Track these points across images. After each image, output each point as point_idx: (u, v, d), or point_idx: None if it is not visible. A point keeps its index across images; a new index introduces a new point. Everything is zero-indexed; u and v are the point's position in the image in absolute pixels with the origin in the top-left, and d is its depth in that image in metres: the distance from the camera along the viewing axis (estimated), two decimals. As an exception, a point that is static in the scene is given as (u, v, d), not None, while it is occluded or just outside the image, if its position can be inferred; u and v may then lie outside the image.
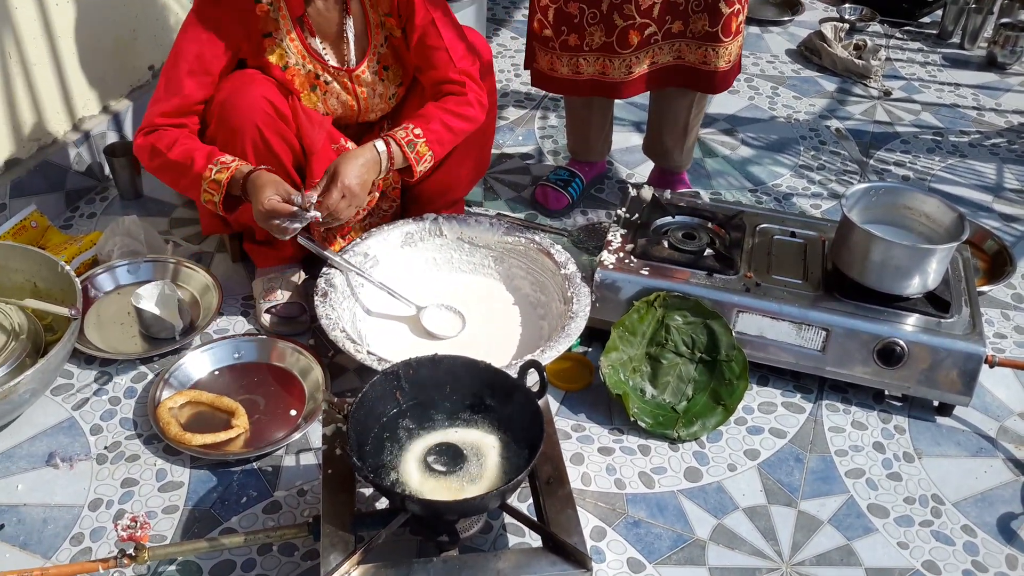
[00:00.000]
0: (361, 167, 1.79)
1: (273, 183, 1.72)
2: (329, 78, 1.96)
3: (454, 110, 1.91)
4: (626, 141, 2.81)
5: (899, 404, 1.96)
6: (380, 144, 1.83)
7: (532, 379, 1.52)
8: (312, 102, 1.97)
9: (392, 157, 1.84)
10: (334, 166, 1.78)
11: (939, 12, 3.74)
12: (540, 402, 1.50)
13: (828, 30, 3.33)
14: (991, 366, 1.88)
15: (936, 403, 1.95)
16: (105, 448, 1.76)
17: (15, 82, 2.18)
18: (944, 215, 1.99)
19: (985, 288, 2.26)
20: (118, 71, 2.50)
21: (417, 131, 1.84)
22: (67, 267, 1.91)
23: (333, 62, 1.96)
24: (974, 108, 3.14)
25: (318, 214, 1.74)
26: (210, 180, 1.76)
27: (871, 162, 2.79)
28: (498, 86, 3.08)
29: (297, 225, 1.73)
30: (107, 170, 2.46)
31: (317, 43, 1.93)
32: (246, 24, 1.84)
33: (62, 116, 2.35)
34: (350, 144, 2.02)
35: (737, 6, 2.16)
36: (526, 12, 3.59)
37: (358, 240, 2.07)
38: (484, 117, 1.99)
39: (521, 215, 2.47)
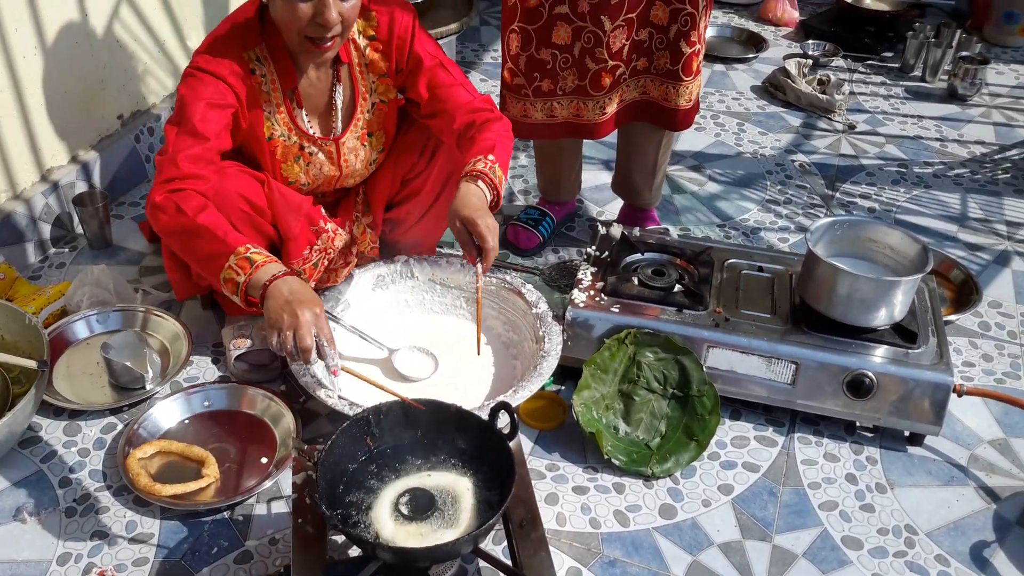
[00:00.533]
0: (478, 205, 1.74)
1: (320, 315, 1.58)
2: (314, 149, 1.96)
3: (504, 132, 1.92)
4: (596, 179, 2.84)
5: (870, 435, 1.97)
6: (480, 183, 1.78)
7: (504, 421, 1.52)
8: (294, 172, 1.97)
9: (487, 185, 1.80)
10: (460, 218, 1.73)
11: (901, 46, 3.81)
12: (512, 444, 1.50)
13: (792, 66, 3.39)
14: (959, 395, 1.89)
15: (907, 433, 1.96)
16: (74, 501, 1.74)
17: (-18, 134, 2.18)
18: (908, 247, 2.01)
19: (952, 317, 2.28)
20: (86, 121, 2.50)
21: (491, 157, 1.83)
22: (34, 319, 1.90)
23: (318, 133, 1.97)
24: (937, 139, 3.20)
25: (338, 365, 1.65)
26: (243, 257, 1.62)
27: (837, 195, 2.83)
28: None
29: (332, 363, 1.62)
30: (76, 220, 2.46)
31: (304, 116, 1.94)
32: (242, 82, 1.83)
33: (30, 166, 2.35)
34: (329, 225, 2.01)
35: (698, 46, 2.20)
36: (494, 55, 3.65)
37: (331, 285, 2.07)
38: (512, 130, 2.01)
39: (493, 255, 2.48)
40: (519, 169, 2.91)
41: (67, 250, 2.44)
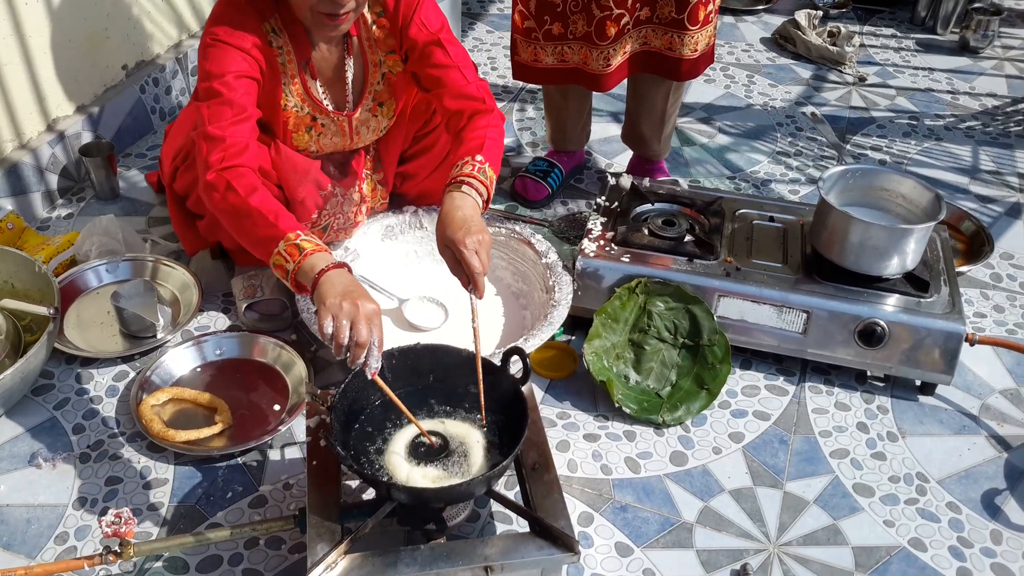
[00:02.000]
0: (464, 217, 1.64)
1: (379, 314, 1.47)
2: (326, 120, 1.93)
3: (495, 127, 1.85)
4: (604, 131, 2.81)
5: (881, 384, 1.97)
6: (466, 188, 1.70)
7: (516, 366, 1.52)
8: (304, 141, 1.94)
9: (476, 189, 1.72)
10: (445, 242, 1.63)
11: (912, -2, 3.77)
12: (524, 388, 1.50)
13: (802, 18, 3.35)
14: (971, 344, 1.89)
15: (918, 382, 1.96)
16: (88, 447, 1.74)
17: (-14, 82, 2.16)
18: (921, 196, 2.00)
19: (964, 268, 2.27)
20: (91, 70, 2.48)
21: (479, 157, 1.76)
22: (44, 267, 1.90)
23: (330, 105, 1.93)
24: (948, 92, 3.17)
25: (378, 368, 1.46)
26: (292, 244, 1.57)
27: (848, 147, 2.81)
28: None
29: (375, 364, 1.45)
30: (83, 170, 2.44)
31: (317, 87, 1.90)
32: (262, 54, 1.78)
33: (36, 116, 2.33)
34: (338, 189, 1.99)
35: (707, -6, 2.17)
36: (500, 6, 3.61)
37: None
38: (503, 122, 1.94)
39: (501, 206, 2.47)
40: (527, 121, 2.89)
41: (74, 200, 2.43)
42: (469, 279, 1.60)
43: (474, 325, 1.56)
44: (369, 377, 1.43)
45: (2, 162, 2.25)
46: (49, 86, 2.34)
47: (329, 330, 1.42)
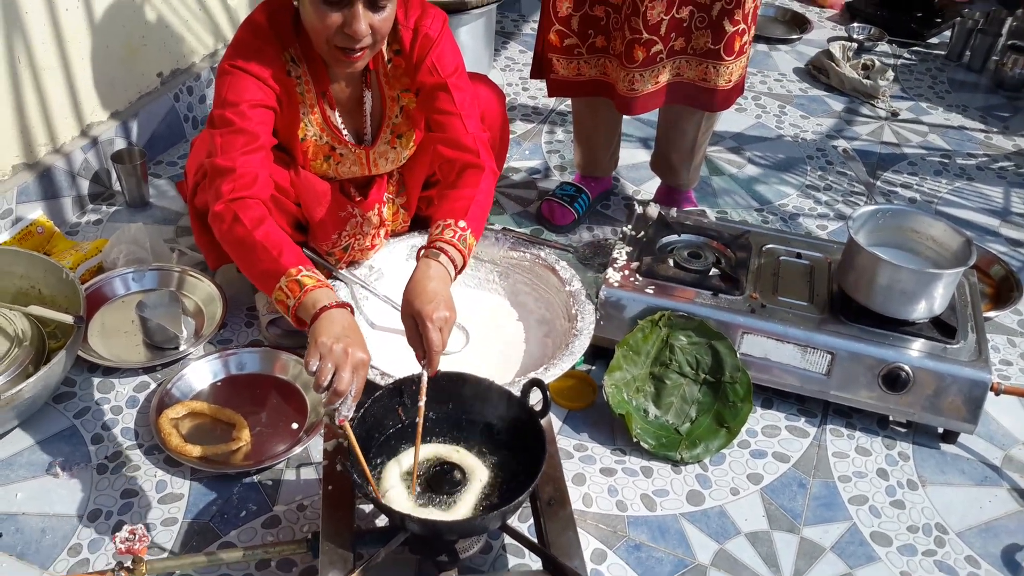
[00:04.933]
0: (435, 290, 1.60)
1: (365, 366, 1.46)
2: (345, 151, 1.94)
3: (483, 189, 1.81)
4: (633, 157, 2.81)
5: (903, 430, 1.95)
6: (443, 259, 1.65)
7: (535, 398, 1.52)
8: (323, 169, 1.94)
9: (452, 259, 1.68)
10: (411, 312, 1.58)
11: (948, 33, 3.73)
12: (543, 421, 1.50)
13: (836, 49, 3.33)
14: (997, 394, 1.87)
15: (941, 430, 1.94)
16: (106, 458, 1.75)
17: (24, 86, 2.18)
18: (951, 239, 1.98)
19: (991, 314, 2.25)
20: (127, 77, 2.50)
21: (462, 224, 1.72)
22: (72, 274, 1.91)
23: (349, 137, 1.94)
24: (982, 130, 3.14)
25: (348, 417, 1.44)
26: (293, 280, 1.55)
27: (878, 183, 2.79)
28: (506, 98, 3.09)
29: (346, 412, 1.44)
30: (114, 177, 2.46)
31: (336, 116, 1.91)
32: (280, 84, 1.79)
33: (71, 121, 2.35)
34: (357, 211, 1.99)
35: (742, 26, 2.15)
36: (535, 26, 3.61)
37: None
38: (496, 180, 1.91)
39: (527, 230, 2.47)
40: (555, 144, 2.89)
41: (104, 207, 2.45)
42: (425, 353, 1.55)
43: (420, 404, 1.51)
44: (336, 423, 1.42)
45: (35, 166, 2.27)
46: (85, 92, 2.37)
47: (313, 368, 1.42)
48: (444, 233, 1.69)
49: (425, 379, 1.52)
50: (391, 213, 2.11)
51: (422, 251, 1.69)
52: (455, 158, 1.83)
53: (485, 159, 1.83)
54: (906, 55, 3.62)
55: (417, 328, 1.56)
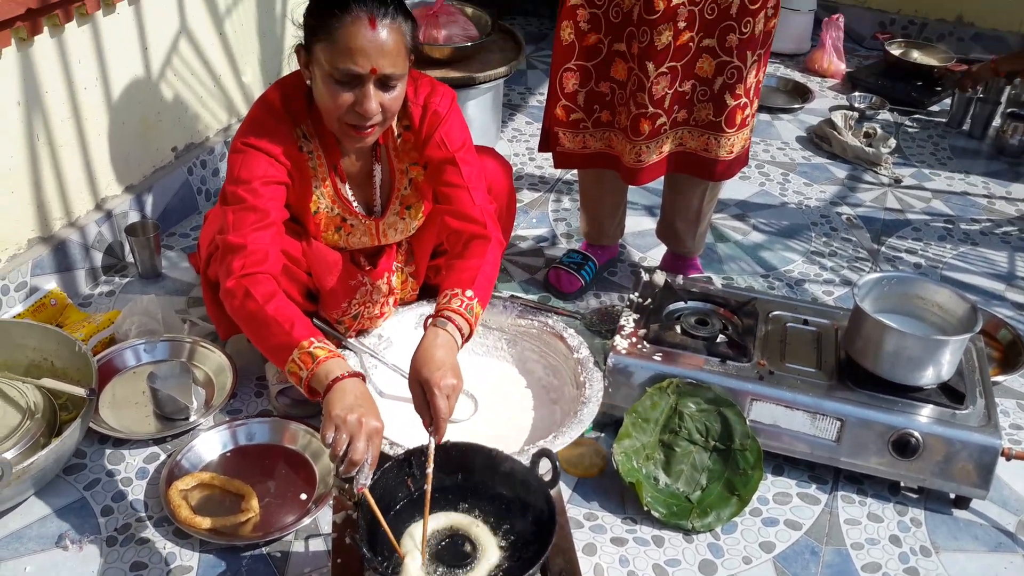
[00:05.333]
0: (442, 359, 1.63)
1: (379, 434, 1.49)
2: (355, 222, 1.99)
3: (490, 260, 1.85)
4: (639, 225, 2.84)
5: (915, 496, 1.94)
6: (450, 328, 1.69)
7: (544, 467, 1.52)
8: (334, 240, 1.99)
9: (459, 328, 1.71)
10: (418, 379, 1.61)
11: (948, 101, 3.80)
12: (552, 491, 1.49)
13: (838, 118, 3.39)
14: (1008, 459, 1.86)
15: (953, 496, 1.93)
16: (115, 530, 1.75)
17: (42, 163, 2.23)
18: (957, 305, 1.99)
19: (999, 378, 2.25)
20: (142, 152, 2.56)
21: (468, 293, 1.75)
22: (84, 346, 1.93)
23: (360, 208, 1.99)
24: (985, 196, 3.17)
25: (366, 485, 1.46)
26: (305, 352, 1.58)
27: (883, 249, 2.81)
28: (512, 170, 3.14)
29: (364, 481, 1.46)
30: (127, 249, 2.50)
31: (347, 190, 1.96)
32: (292, 160, 1.84)
33: (86, 195, 2.40)
34: (367, 279, 2.03)
35: (744, 100, 2.20)
36: (541, 98, 3.68)
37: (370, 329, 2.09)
38: (502, 250, 1.96)
39: (534, 297, 2.49)
40: (562, 212, 2.93)
41: (117, 278, 2.48)
42: (432, 420, 1.57)
43: (428, 471, 1.52)
44: (356, 491, 1.43)
45: (50, 239, 2.31)
46: (101, 167, 2.42)
47: (329, 440, 1.44)
48: (451, 302, 1.72)
49: (432, 446, 1.53)
50: (400, 282, 2.14)
51: (429, 320, 1.71)
52: (462, 229, 1.87)
53: (492, 230, 1.87)
54: (907, 123, 3.68)
55: (424, 396, 1.58)
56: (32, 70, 2.14)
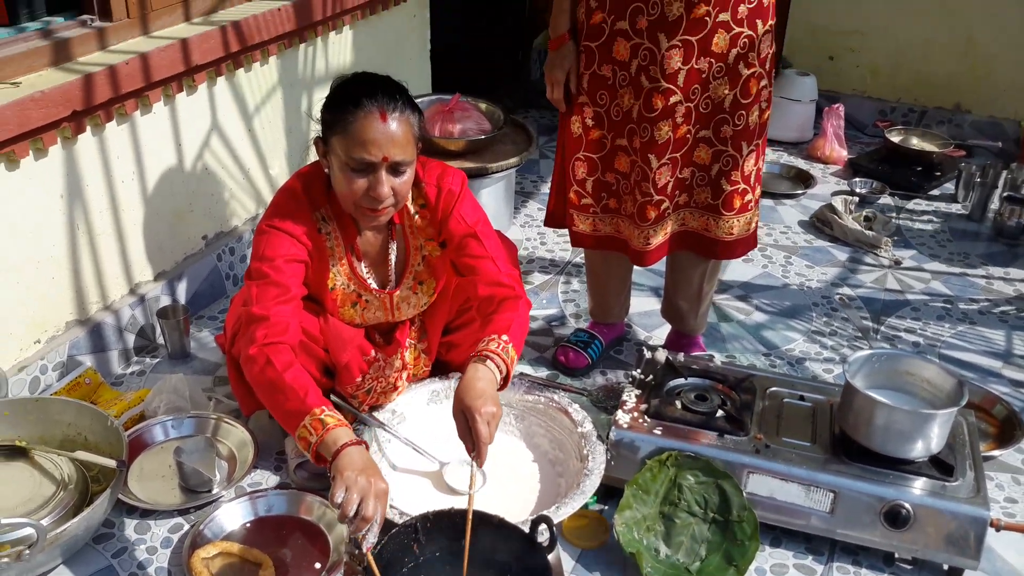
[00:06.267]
0: (483, 389, 1.80)
1: (386, 495, 1.63)
2: (370, 297, 2.14)
3: (522, 313, 2.02)
4: (645, 305, 2.96)
5: (909, 567, 1.99)
6: (489, 363, 1.86)
7: (543, 534, 1.60)
8: (350, 315, 2.14)
9: (498, 366, 1.88)
10: (461, 407, 1.78)
11: (948, 185, 3.93)
12: (551, 557, 1.58)
13: (839, 203, 3.52)
14: (997, 530, 1.91)
15: (946, 567, 1.98)
16: (139, 597, 1.84)
17: (82, 251, 2.40)
18: (944, 381, 2.07)
19: (995, 453, 2.31)
20: (174, 240, 2.72)
21: (504, 337, 1.92)
22: (116, 421, 2.06)
23: (374, 284, 2.14)
24: (983, 277, 3.26)
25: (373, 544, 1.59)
26: (316, 419, 1.72)
27: (882, 328, 2.90)
28: (524, 253, 3.30)
29: (372, 539, 1.59)
30: (158, 331, 2.65)
31: (363, 267, 2.12)
32: (312, 240, 2.00)
33: (121, 281, 2.56)
34: (380, 355, 2.16)
35: (742, 186, 2.34)
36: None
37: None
38: (530, 309, 2.11)
39: (543, 375, 2.60)
40: (571, 293, 3.05)
41: (148, 359, 2.62)
42: (475, 446, 1.74)
43: (470, 492, 1.69)
44: (364, 550, 1.54)
45: (87, 322, 2.46)
46: (136, 255, 2.59)
47: (339, 499, 1.57)
48: (489, 345, 1.90)
49: (475, 470, 1.71)
50: (413, 358, 2.26)
51: (472, 358, 1.87)
52: (494, 293, 2.04)
53: (521, 291, 2.05)
54: (907, 207, 3.80)
55: (467, 423, 1.74)
56: (75, 166, 2.32)
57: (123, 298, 2.58)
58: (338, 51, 3.23)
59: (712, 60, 2.19)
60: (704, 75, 2.21)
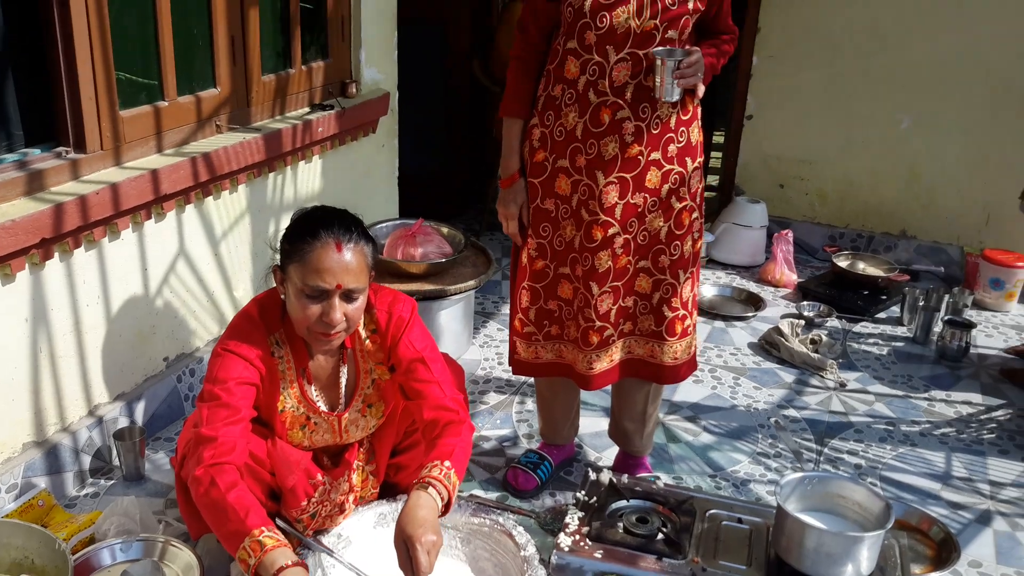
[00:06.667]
0: (424, 517, 1.88)
1: None
2: (319, 419, 2.22)
3: (465, 437, 2.11)
4: (596, 425, 3.03)
5: None
6: (431, 491, 1.94)
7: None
8: (298, 438, 2.22)
9: (440, 493, 1.96)
10: (402, 536, 1.85)
11: (894, 308, 4.08)
12: None
13: (785, 326, 3.65)
14: (925, 653, 1.97)
15: None
16: None
17: (43, 374, 2.46)
18: (873, 504, 2.15)
19: (932, 575, 2.36)
20: (135, 362, 2.79)
21: (447, 464, 2.02)
22: (64, 545, 2.08)
23: (324, 407, 2.22)
24: (925, 399, 3.37)
25: None
26: (255, 540, 1.79)
27: (826, 450, 2.99)
28: (482, 373, 3.39)
29: None
30: (114, 452, 2.69)
31: (313, 391, 2.21)
32: (265, 364, 2.09)
33: (79, 403, 2.62)
34: (327, 478, 2.22)
35: (682, 312, 2.47)
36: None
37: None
38: (473, 433, 2.19)
39: (494, 496, 2.65)
40: (525, 414, 3.13)
41: (103, 480, 2.65)
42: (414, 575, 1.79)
43: None
44: None
45: (44, 443, 2.51)
46: (96, 377, 2.65)
47: None
48: (432, 471, 1.97)
49: None
50: (361, 480, 2.32)
51: (414, 485, 1.94)
52: (438, 417, 2.12)
53: (465, 416, 2.13)
54: (854, 330, 3.93)
55: (407, 552, 1.80)
56: (41, 290, 2.41)
57: (81, 419, 2.63)
58: (307, 179, 3.39)
59: (647, 195, 2.35)
60: (640, 209, 2.36)
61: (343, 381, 2.22)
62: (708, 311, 3.96)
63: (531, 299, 2.51)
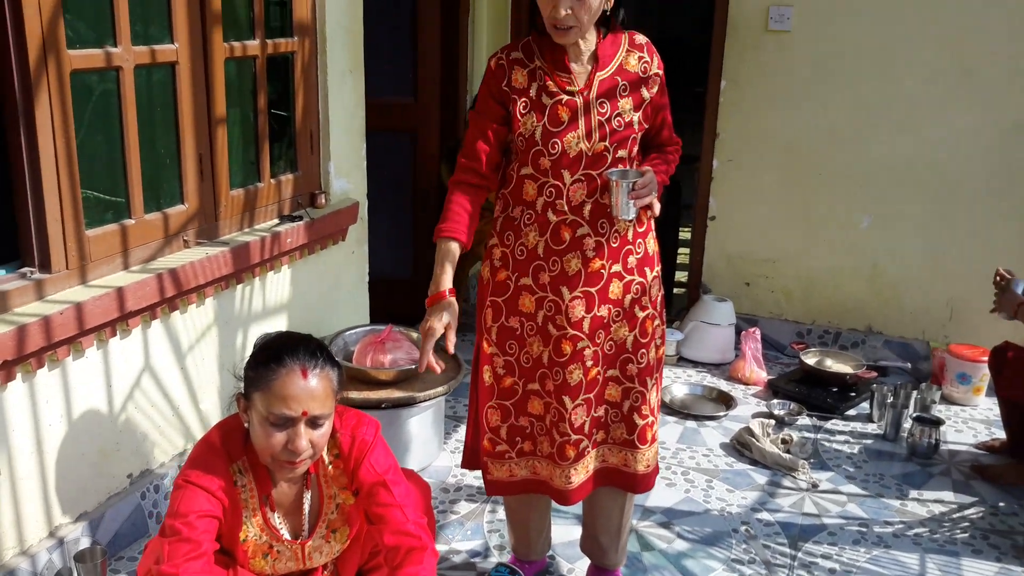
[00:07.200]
0: None
1: None
2: (282, 547, 2.18)
3: (427, 564, 2.08)
4: (569, 535, 3.00)
5: None
6: None
7: None
8: (260, 566, 2.18)
9: None
10: None
11: (864, 405, 4.10)
12: None
13: (756, 426, 3.65)
14: None
15: None
16: None
17: (2, 497, 2.42)
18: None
19: None
20: (97, 480, 2.75)
21: None
22: None
23: (287, 535, 2.19)
24: (898, 498, 3.36)
25: None
26: None
27: (799, 555, 2.96)
28: (453, 480, 3.36)
29: None
30: (75, 575, 2.62)
31: (276, 518, 2.17)
32: (227, 495, 2.06)
33: (40, 524, 2.56)
34: None
35: (651, 418, 2.48)
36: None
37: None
38: (436, 559, 2.16)
39: (464, 613, 2.59)
40: (497, 523, 3.09)
41: (61, 605, 2.58)
42: None
43: None
44: None
45: (1, 568, 2.44)
46: (57, 496, 2.60)
47: None
48: None
49: None
50: (325, 605, 2.27)
51: None
52: (400, 543, 2.09)
53: (427, 541, 2.09)
54: (825, 427, 3.95)
55: None
56: (2, 412, 2.39)
57: (41, 541, 2.57)
58: (276, 289, 3.40)
59: (611, 306, 2.38)
60: (605, 320, 2.39)
61: (307, 508, 2.19)
62: (680, 410, 3.97)
63: (501, 417, 2.50)
